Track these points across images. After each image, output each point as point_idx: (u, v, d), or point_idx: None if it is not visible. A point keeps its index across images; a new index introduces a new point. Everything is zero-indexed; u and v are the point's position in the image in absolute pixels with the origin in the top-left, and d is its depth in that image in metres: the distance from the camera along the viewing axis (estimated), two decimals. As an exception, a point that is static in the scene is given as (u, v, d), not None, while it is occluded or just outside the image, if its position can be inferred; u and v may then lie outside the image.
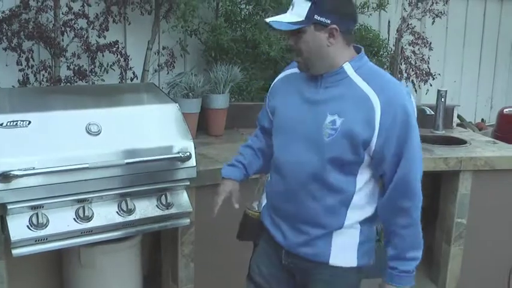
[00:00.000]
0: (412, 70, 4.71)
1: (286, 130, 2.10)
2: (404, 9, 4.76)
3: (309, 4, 1.91)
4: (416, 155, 1.94)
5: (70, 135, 2.62)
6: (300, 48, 1.97)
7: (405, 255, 2.00)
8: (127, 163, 2.65)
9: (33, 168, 2.45)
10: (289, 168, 2.06)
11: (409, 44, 4.74)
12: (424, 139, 3.92)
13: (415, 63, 4.73)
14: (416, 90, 4.87)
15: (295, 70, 2.12)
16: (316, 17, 1.91)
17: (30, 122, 2.57)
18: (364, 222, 2.06)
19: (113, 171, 2.64)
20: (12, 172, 2.40)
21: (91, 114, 2.72)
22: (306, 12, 1.91)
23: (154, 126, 2.85)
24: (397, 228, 1.99)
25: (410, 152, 1.92)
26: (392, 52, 4.68)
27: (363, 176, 2.01)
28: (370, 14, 4.58)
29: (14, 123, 2.55)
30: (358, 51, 2.04)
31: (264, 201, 2.27)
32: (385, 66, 4.71)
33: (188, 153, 2.79)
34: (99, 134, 2.67)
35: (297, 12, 1.93)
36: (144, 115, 2.89)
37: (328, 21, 1.92)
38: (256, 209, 2.32)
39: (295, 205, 2.05)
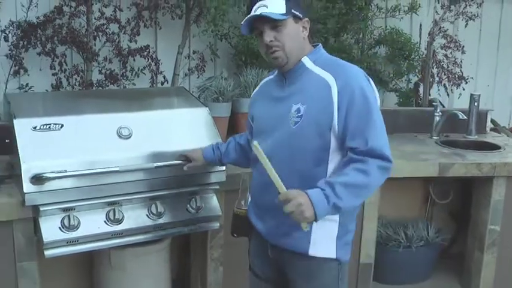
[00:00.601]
0: (444, 74, 4.63)
1: (260, 130, 2.27)
2: (436, 12, 4.69)
3: (284, 0, 2.07)
4: (379, 127, 2.03)
5: (101, 139, 2.66)
6: (283, 40, 2.10)
7: (336, 187, 1.94)
8: (157, 167, 2.67)
9: (65, 171, 2.49)
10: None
11: (441, 48, 4.67)
12: (457, 144, 3.88)
13: (447, 66, 4.66)
14: (448, 95, 4.80)
15: (268, 78, 2.36)
16: (293, 10, 2.08)
17: (62, 126, 2.61)
18: (342, 213, 2.08)
19: (143, 174, 2.67)
20: (45, 175, 2.45)
21: (122, 118, 2.76)
22: (285, 6, 2.07)
23: (184, 130, 2.87)
24: (349, 169, 1.99)
25: (374, 123, 2.01)
26: (423, 56, 4.62)
27: (334, 162, 2.08)
28: (402, 18, 4.53)
29: (47, 126, 2.59)
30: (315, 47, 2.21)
31: (250, 198, 2.37)
32: (417, 70, 4.66)
33: (218, 157, 2.80)
34: (130, 137, 2.71)
35: (274, 8, 2.06)
36: (175, 119, 2.92)
37: (301, 15, 2.12)
38: (243, 206, 2.42)
39: (271, 195, 2.04)
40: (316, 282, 2.19)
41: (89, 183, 2.55)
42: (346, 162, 2.04)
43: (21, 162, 2.46)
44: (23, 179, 2.44)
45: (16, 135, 2.53)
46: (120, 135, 2.69)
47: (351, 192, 1.96)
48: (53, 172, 2.46)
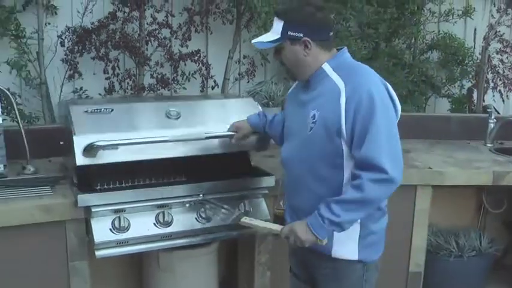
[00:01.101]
0: (500, 79, 4.52)
1: (287, 132, 2.37)
2: (492, 15, 4.58)
3: (282, 23, 2.15)
4: (382, 134, 2.00)
5: (150, 119, 2.74)
6: (284, 61, 2.23)
7: (330, 204, 2.04)
8: (207, 137, 2.68)
9: (115, 141, 2.54)
10: (288, 163, 2.29)
11: (497, 53, 4.55)
12: (511, 152, 3.76)
13: (503, 72, 4.53)
14: (503, 101, 4.67)
15: (294, 84, 2.44)
16: (289, 33, 2.14)
17: (112, 110, 2.70)
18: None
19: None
20: (96, 143, 2.48)
21: (171, 104, 2.83)
22: (281, 30, 2.15)
23: (231, 114, 2.85)
24: (349, 185, 2.06)
25: (374, 132, 2.00)
26: (478, 61, 4.52)
27: (350, 167, 2.10)
28: (455, 22, 4.44)
29: (98, 110, 2.68)
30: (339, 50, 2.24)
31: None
32: (470, 76, 4.55)
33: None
34: (178, 118, 2.76)
35: (274, 31, 2.18)
36: (222, 105, 3.01)
37: (301, 35, 2.14)
38: (282, 206, 2.47)
39: (296, 197, 2.26)
40: (341, 283, 2.25)
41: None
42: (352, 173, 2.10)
43: (74, 137, 2.51)
44: (75, 151, 2.49)
45: (71, 116, 2.59)
46: (169, 116, 2.74)
47: (346, 208, 2.03)
48: (103, 141, 2.49)
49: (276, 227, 2.25)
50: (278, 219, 2.48)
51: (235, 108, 2.93)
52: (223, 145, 2.75)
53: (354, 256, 2.20)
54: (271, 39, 2.17)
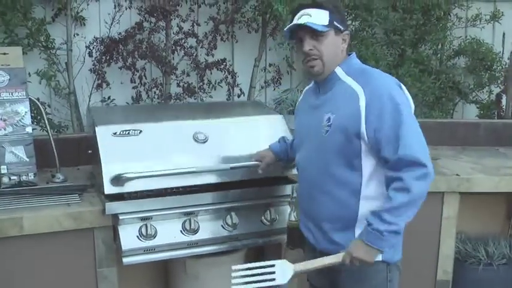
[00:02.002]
0: (529, 85, 4.46)
1: (300, 137, 2.36)
2: (520, 20, 4.53)
3: (327, 12, 2.13)
4: (413, 132, 2.03)
5: (178, 143, 2.74)
6: (322, 50, 2.14)
7: (382, 215, 2.00)
8: (232, 168, 2.70)
9: (143, 172, 2.56)
10: (304, 171, 2.28)
11: (526, 58, 4.50)
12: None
13: (532, 77, 4.47)
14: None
15: (308, 86, 2.42)
16: (335, 23, 2.14)
17: (141, 131, 2.71)
18: None
19: (219, 179, 2.72)
20: (124, 175, 2.52)
21: (198, 125, 2.83)
22: (328, 18, 2.12)
23: (259, 136, 2.87)
24: (390, 190, 2.02)
25: (406, 130, 2.01)
26: (506, 66, 4.46)
27: (368, 167, 2.10)
28: (483, 27, 4.40)
29: (127, 132, 2.69)
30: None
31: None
32: (499, 81, 4.50)
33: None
34: (205, 142, 2.77)
35: (317, 19, 2.12)
36: (250, 125, 2.96)
37: (342, 28, 2.17)
38: (294, 218, 2.45)
39: (313, 203, 2.22)
40: (365, 284, 2.23)
41: (165, 186, 2.63)
42: (386, 180, 2.07)
43: (103, 164, 2.55)
44: (103, 180, 2.53)
45: (98, 140, 2.63)
46: (196, 140, 2.75)
47: (398, 214, 2.00)
48: (132, 172, 2.53)
49: (334, 259, 2.09)
50: (291, 231, 2.46)
51: (263, 129, 2.93)
52: (249, 172, 2.74)
53: (378, 257, 2.14)
54: (322, 23, 2.11)
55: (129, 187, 2.56)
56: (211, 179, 2.70)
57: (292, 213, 2.49)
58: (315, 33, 2.12)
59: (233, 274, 2.17)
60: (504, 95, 4.49)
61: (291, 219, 2.48)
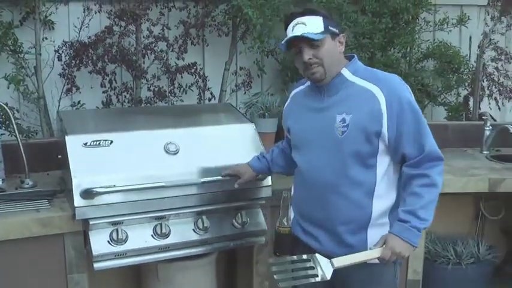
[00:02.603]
0: (495, 87, 4.54)
1: (303, 142, 2.31)
2: (486, 24, 4.60)
3: (321, 18, 2.15)
4: (427, 129, 2.16)
5: (149, 154, 2.72)
6: (322, 57, 2.16)
7: (418, 213, 2.09)
8: (203, 182, 2.71)
9: (114, 186, 2.55)
10: (313, 174, 2.24)
11: (492, 60, 4.58)
12: (508, 159, 3.79)
13: (498, 79, 4.56)
14: (499, 108, 4.69)
15: (298, 89, 2.42)
16: (330, 27, 2.17)
17: (112, 142, 2.69)
18: (391, 213, 2.19)
19: (189, 190, 2.72)
20: (94, 189, 2.52)
21: (169, 134, 2.83)
22: (323, 25, 2.14)
23: (230, 146, 2.90)
24: (417, 187, 2.11)
25: (425, 127, 2.14)
26: (473, 69, 4.54)
27: (382, 166, 2.17)
28: (450, 30, 4.47)
29: (97, 142, 2.67)
30: (350, 59, 2.27)
31: (292, 215, 2.40)
32: (466, 84, 4.57)
33: (263, 173, 2.82)
34: (177, 153, 2.75)
35: (313, 26, 2.14)
36: (221, 135, 2.96)
37: (337, 31, 2.20)
38: (286, 224, 2.42)
39: (325, 209, 2.21)
40: (378, 284, 2.27)
41: (136, 198, 2.61)
42: (406, 179, 2.14)
43: (73, 177, 2.54)
44: (73, 193, 2.52)
45: (68, 151, 2.62)
46: (167, 151, 2.75)
47: (430, 209, 2.12)
48: (102, 187, 2.53)
49: (373, 254, 2.10)
50: (282, 237, 2.44)
51: (235, 138, 2.95)
52: (221, 185, 2.77)
53: None
54: (318, 31, 2.13)
55: (98, 200, 2.55)
56: (181, 192, 2.70)
57: (283, 219, 2.46)
58: (312, 42, 2.15)
59: (273, 268, 2.12)
60: (471, 97, 4.57)
61: (283, 225, 2.44)
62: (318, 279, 2.07)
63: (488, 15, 4.55)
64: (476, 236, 3.90)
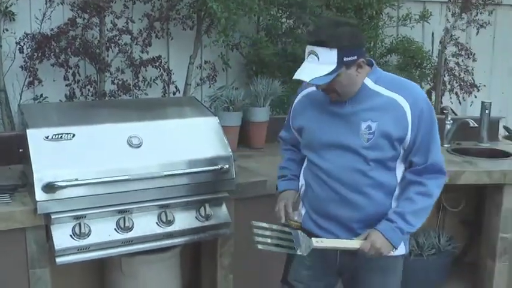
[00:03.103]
0: (456, 82, 4.64)
1: (323, 144, 2.27)
2: (447, 20, 4.70)
3: (336, 51, 2.06)
4: (438, 142, 2.23)
5: (112, 148, 2.70)
6: (335, 88, 2.14)
7: (406, 216, 2.16)
8: (166, 175, 2.71)
9: (76, 180, 2.53)
10: (335, 174, 2.23)
11: (453, 56, 4.67)
12: (468, 152, 3.86)
13: (459, 74, 4.66)
14: (460, 103, 4.79)
15: (311, 89, 2.33)
16: (345, 59, 2.08)
17: (74, 135, 2.66)
18: None
19: (152, 183, 2.71)
20: (56, 183, 2.49)
21: (132, 128, 2.80)
22: (336, 59, 2.07)
23: (194, 139, 2.90)
24: (412, 193, 2.18)
25: (436, 139, 2.21)
26: (435, 64, 4.63)
27: (400, 169, 2.24)
28: (413, 26, 4.54)
29: (59, 136, 2.64)
30: (370, 64, 2.23)
31: (303, 211, 2.39)
32: (429, 78, 4.66)
33: (227, 166, 2.83)
34: (140, 146, 2.74)
35: (325, 62, 2.08)
36: (184, 128, 2.96)
37: (355, 58, 2.11)
38: (296, 219, 2.40)
39: (345, 207, 2.24)
40: (388, 277, 2.36)
41: (99, 192, 2.60)
42: (405, 184, 2.22)
43: (34, 171, 2.51)
44: (35, 187, 2.49)
45: (29, 145, 2.59)
46: (130, 144, 2.74)
47: (420, 216, 2.20)
48: (64, 181, 2.51)
49: (353, 244, 2.18)
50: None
51: (198, 131, 2.95)
52: (184, 178, 2.78)
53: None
54: (327, 71, 2.07)
55: (60, 194, 2.52)
56: (145, 185, 2.69)
57: (296, 213, 2.41)
58: None
59: (254, 230, 2.16)
60: (433, 92, 4.66)
61: (295, 220, 2.39)
62: (296, 252, 2.16)
63: (450, 11, 4.64)
64: (437, 227, 3.98)
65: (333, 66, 2.07)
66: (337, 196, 2.24)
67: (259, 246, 2.14)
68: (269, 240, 2.16)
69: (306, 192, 2.38)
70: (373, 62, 2.24)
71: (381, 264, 2.27)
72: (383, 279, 2.35)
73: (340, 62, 2.07)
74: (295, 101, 2.44)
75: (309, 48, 2.12)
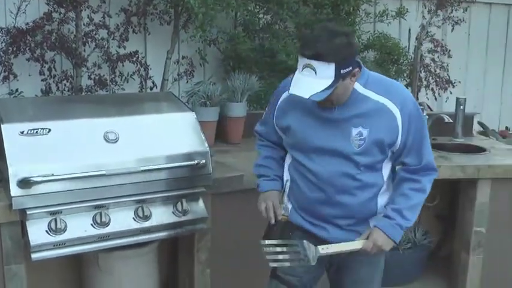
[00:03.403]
0: (432, 78, 4.69)
1: (311, 147, 2.28)
2: (423, 17, 4.74)
3: (333, 65, 2.03)
4: (428, 141, 2.30)
5: (88, 143, 2.69)
6: (331, 99, 2.13)
7: (403, 212, 2.24)
8: (143, 170, 2.70)
9: (52, 175, 2.52)
10: (324, 177, 2.26)
11: (429, 52, 4.73)
12: (443, 147, 3.91)
13: (435, 71, 4.71)
14: (436, 98, 4.85)
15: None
16: (342, 71, 2.05)
17: (50, 130, 2.64)
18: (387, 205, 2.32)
19: (129, 178, 2.70)
20: (32, 178, 2.47)
21: (109, 123, 2.79)
22: (334, 72, 2.04)
23: (170, 134, 2.90)
24: (407, 190, 2.26)
25: (426, 136, 2.27)
26: (412, 60, 4.67)
27: (387, 168, 2.30)
28: (390, 22, 4.58)
29: (35, 131, 2.62)
30: (359, 66, 2.18)
31: (290, 205, 2.42)
32: (405, 74, 4.70)
33: (204, 161, 2.84)
34: (116, 141, 2.73)
35: (323, 76, 2.04)
36: (161, 123, 2.94)
37: (351, 68, 2.09)
38: (283, 212, 2.42)
39: (335, 208, 2.29)
40: (378, 268, 2.49)
41: (75, 187, 2.58)
42: (399, 181, 2.29)
43: (9, 167, 2.48)
44: (10, 183, 2.47)
45: (4, 139, 2.56)
46: (107, 140, 2.72)
47: (415, 211, 2.28)
48: (39, 176, 2.49)
49: (356, 245, 2.23)
50: (277, 222, 2.38)
51: (175, 127, 2.95)
52: (160, 173, 2.78)
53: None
54: (325, 85, 2.03)
55: (36, 190, 2.50)
56: (121, 180, 2.68)
57: (282, 206, 2.41)
58: None
59: (265, 249, 2.22)
60: (409, 88, 4.71)
61: (283, 214, 2.40)
62: (306, 263, 2.21)
63: (426, 8, 4.69)
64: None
65: (331, 80, 2.04)
66: (325, 197, 2.28)
67: (274, 265, 2.26)
68: (280, 257, 2.22)
69: (292, 188, 2.40)
70: (361, 64, 2.18)
71: (368, 256, 2.32)
72: (369, 270, 2.44)
73: (338, 75, 2.04)
74: (280, 99, 2.38)
75: (305, 61, 2.06)
